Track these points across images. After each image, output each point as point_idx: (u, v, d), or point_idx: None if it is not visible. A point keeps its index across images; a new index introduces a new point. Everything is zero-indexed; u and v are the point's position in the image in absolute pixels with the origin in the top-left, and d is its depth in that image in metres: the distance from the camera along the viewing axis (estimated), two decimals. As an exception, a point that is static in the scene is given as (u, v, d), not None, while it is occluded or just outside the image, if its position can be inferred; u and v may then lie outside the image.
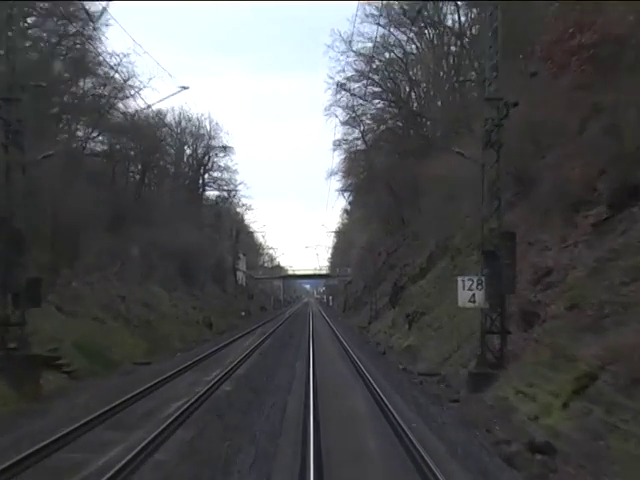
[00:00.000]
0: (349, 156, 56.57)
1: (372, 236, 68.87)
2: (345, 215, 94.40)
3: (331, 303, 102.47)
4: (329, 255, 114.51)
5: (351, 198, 77.11)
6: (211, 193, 67.50)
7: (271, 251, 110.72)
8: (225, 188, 63.99)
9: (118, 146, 43.84)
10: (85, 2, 28.52)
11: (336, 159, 66.99)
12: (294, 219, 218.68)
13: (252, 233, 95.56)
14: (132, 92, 35.48)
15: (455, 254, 23.92)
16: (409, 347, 20.45)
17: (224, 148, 63.25)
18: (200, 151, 63.68)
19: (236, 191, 66.02)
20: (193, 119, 62.18)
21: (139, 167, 49.05)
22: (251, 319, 55.18)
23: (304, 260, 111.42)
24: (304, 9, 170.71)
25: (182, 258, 45.31)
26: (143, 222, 41.49)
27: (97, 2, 27.38)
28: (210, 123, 62.85)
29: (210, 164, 64.96)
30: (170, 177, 59.06)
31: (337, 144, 53.51)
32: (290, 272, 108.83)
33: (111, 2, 41.77)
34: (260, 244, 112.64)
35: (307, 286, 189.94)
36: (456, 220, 26.93)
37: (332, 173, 55.60)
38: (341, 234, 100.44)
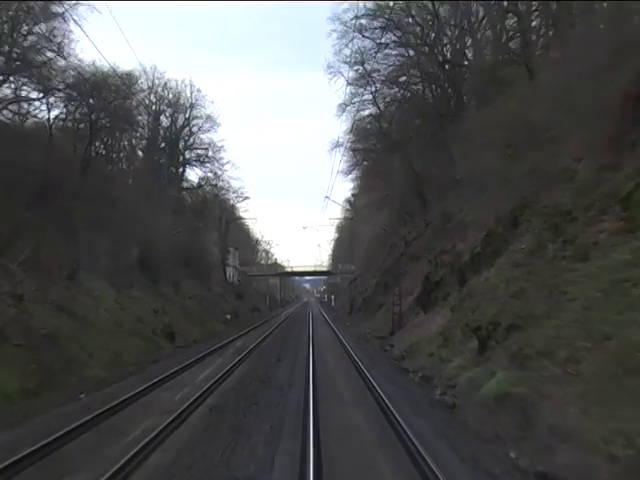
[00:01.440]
0: (358, 124, 46.48)
1: (384, 224, 58.85)
2: (348, 206, 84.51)
3: (333, 303, 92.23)
4: (330, 252, 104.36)
5: (357, 183, 67.31)
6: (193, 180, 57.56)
7: (268, 247, 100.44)
8: (208, 164, 53.68)
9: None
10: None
11: (343, 128, 56.53)
12: (294, 219, 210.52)
13: (242, 221, 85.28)
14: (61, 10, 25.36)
15: (563, 223, 13.80)
16: (507, 397, 10.27)
17: (208, 118, 53.25)
18: (179, 123, 53.66)
19: (222, 170, 55.82)
20: (170, 84, 52.22)
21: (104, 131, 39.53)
22: (238, 324, 45.07)
23: (304, 258, 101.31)
24: (304, 9, 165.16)
25: (145, 247, 35.29)
26: (90, 199, 31.67)
27: None
28: (191, 88, 52.81)
29: (191, 139, 54.94)
30: (139, 148, 49.11)
31: (343, 107, 43.44)
32: (288, 269, 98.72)
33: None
34: (257, 240, 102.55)
35: (307, 285, 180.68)
36: (544, 175, 16.90)
37: (337, 145, 45.37)
38: (345, 226, 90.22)
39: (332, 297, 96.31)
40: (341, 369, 17.04)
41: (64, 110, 34.16)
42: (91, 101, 33.69)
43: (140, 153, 51.62)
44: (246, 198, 64.49)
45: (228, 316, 47.28)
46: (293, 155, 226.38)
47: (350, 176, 59.86)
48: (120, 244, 32.82)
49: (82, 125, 34.69)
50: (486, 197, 24.96)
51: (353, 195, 77.17)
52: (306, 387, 12.62)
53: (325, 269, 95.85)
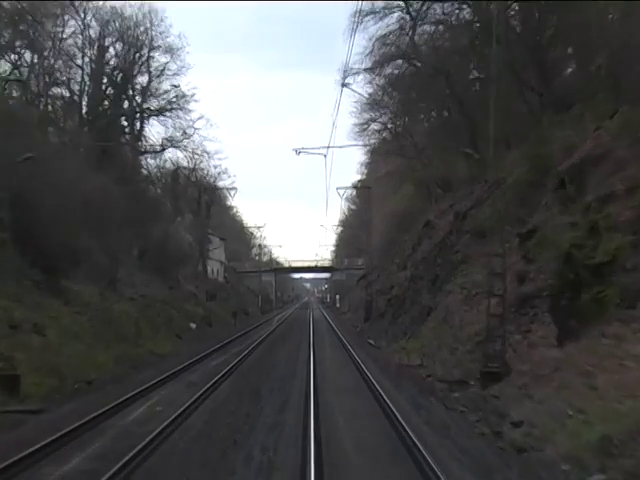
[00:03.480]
0: (379, 50, 32.09)
1: (407, 201, 44.68)
2: (354, 193, 69.80)
3: (338, 304, 77.56)
4: (333, 247, 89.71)
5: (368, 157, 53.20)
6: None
7: (263, 240, 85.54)
8: (172, 112, 39.17)
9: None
10: None
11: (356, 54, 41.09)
12: (295, 219, 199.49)
13: (235, 211, 70.92)
14: None
15: None
16: None
17: (170, 53, 38.83)
18: (131, 59, 39.15)
19: (194, 129, 41.35)
20: (123, 11, 37.78)
21: None
22: (204, 336, 30.70)
23: (303, 253, 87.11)
24: (304, 10, 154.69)
25: (35, 216, 20.80)
26: None
27: None
28: (150, 13, 38.29)
29: (151, 85, 40.37)
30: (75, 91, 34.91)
31: (360, 17, 28.99)
32: (285, 265, 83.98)
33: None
34: (252, 233, 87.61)
35: (307, 285, 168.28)
36: None
37: (349, 72, 30.80)
38: (350, 219, 75.90)
39: (337, 297, 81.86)
40: None
41: None
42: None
43: (77, 98, 37.35)
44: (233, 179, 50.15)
45: (193, 325, 32.94)
46: (292, 155, 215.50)
47: (359, 163, 45.64)
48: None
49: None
50: None
51: (359, 183, 62.67)
52: None
53: (328, 264, 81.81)
